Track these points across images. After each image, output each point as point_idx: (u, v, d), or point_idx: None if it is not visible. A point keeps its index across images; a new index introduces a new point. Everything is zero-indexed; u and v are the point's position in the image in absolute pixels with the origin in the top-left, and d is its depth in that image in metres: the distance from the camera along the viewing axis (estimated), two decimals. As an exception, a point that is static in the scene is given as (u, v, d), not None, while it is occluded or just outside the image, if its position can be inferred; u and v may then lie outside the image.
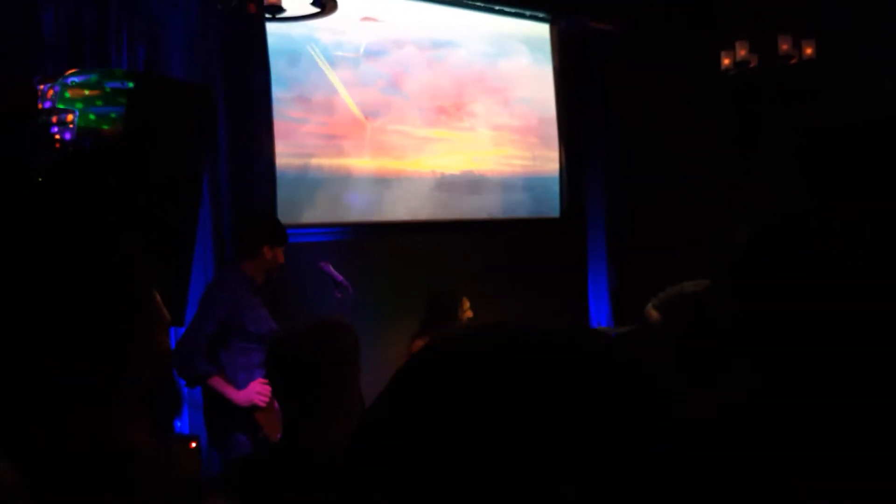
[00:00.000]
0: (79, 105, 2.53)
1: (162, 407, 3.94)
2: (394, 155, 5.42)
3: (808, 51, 5.04)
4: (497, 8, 5.94)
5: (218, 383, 3.47)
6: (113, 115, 2.44)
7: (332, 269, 3.97)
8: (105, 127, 2.47)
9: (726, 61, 5.33)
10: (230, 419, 3.48)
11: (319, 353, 1.84)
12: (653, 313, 4.94)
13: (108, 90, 2.50)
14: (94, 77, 2.62)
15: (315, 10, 3.86)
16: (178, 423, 4.15)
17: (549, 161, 6.21)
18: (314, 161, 5.11)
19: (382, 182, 5.34)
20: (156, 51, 4.22)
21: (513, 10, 6.04)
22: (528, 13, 6.11)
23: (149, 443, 1.06)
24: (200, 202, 2.84)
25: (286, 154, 4.96)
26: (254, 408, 3.48)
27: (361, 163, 5.28)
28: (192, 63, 4.46)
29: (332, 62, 5.21)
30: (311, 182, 5.08)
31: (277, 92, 4.92)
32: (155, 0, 4.31)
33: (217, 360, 3.53)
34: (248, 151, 4.77)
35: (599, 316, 6.28)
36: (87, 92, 2.56)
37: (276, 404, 3.54)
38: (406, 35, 5.56)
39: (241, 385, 3.49)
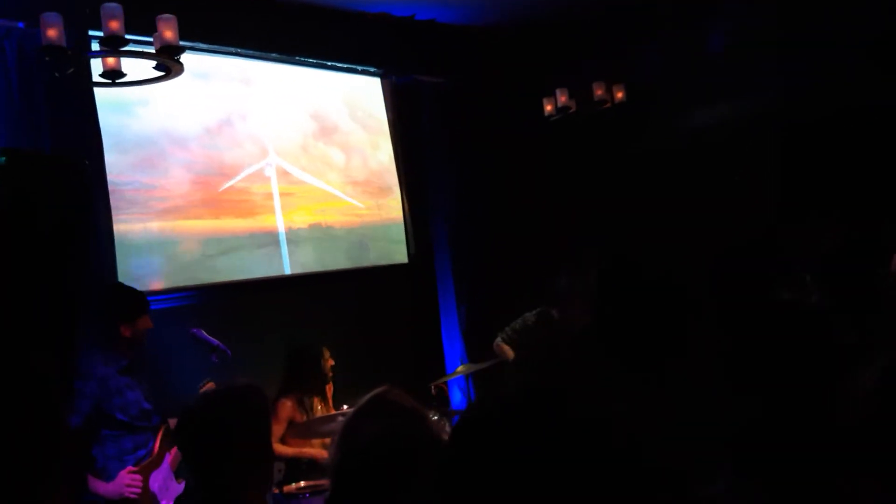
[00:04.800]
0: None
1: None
2: (238, 213, 5.38)
3: (619, 95, 5.58)
4: (329, 64, 6.09)
5: (86, 479, 3.32)
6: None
7: (205, 333, 3.89)
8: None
9: (549, 107, 5.77)
10: None
11: (236, 418, 1.85)
12: (504, 347, 5.21)
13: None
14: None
15: (159, 73, 3.80)
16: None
17: (393, 209, 6.40)
18: (156, 225, 4.97)
19: (229, 241, 5.29)
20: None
21: (345, 66, 6.21)
22: (359, 68, 6.31)
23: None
24: (82, 280, 2.72)
25: (125, 219, 4.79)
26: (125, 500, 3.37)
27: (206, 224, 5.20)
28: (16, 132, 4.22)
29: (166, 122, 5.10)
30: (155, 247, 4.94)
31: (111, 157, 4.74)
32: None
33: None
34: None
35: (453, 354, 6.46)
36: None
37: (152, 488, 3.41)
38: (242, 92, 5.56)
39: (113, 474, 3.35)
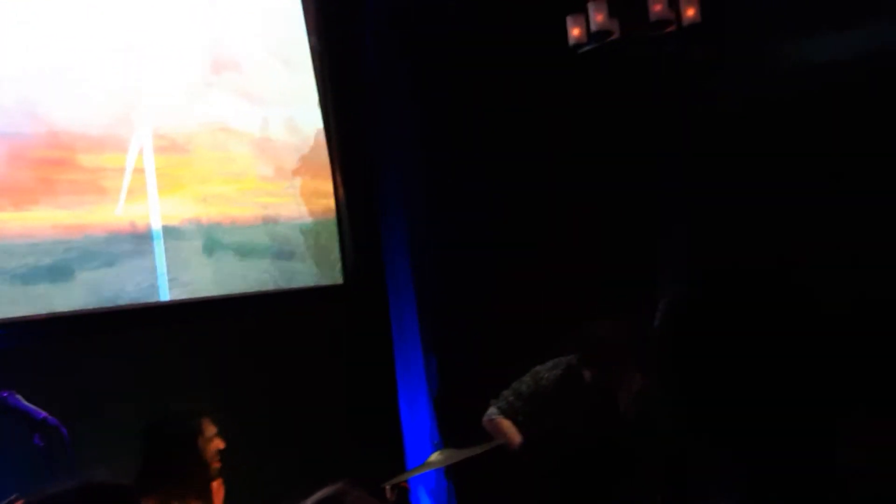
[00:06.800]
0: None
1: None
2: (78, 200, 5.32)
3: (690, 12, 5.58)
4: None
5: None
6: None
7: (21, 400, 3.84)
8: None
9: (576, 31, 5.75)
10: None
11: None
12: (502, 424, 5.16)
13: None
14: None
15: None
16: None
17: (320, 196, 6.35)
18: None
19: (65, 247, 5.24)
20: None
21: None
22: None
23: None
24: None
25: None
26: None
27: (21, 220, 5.13)
28: None
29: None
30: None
31: None
32: None
33: None
34: None
35: (417, 435, 6.41)
36: None
37: None
38: (86, 9, 5.49)
39: None
